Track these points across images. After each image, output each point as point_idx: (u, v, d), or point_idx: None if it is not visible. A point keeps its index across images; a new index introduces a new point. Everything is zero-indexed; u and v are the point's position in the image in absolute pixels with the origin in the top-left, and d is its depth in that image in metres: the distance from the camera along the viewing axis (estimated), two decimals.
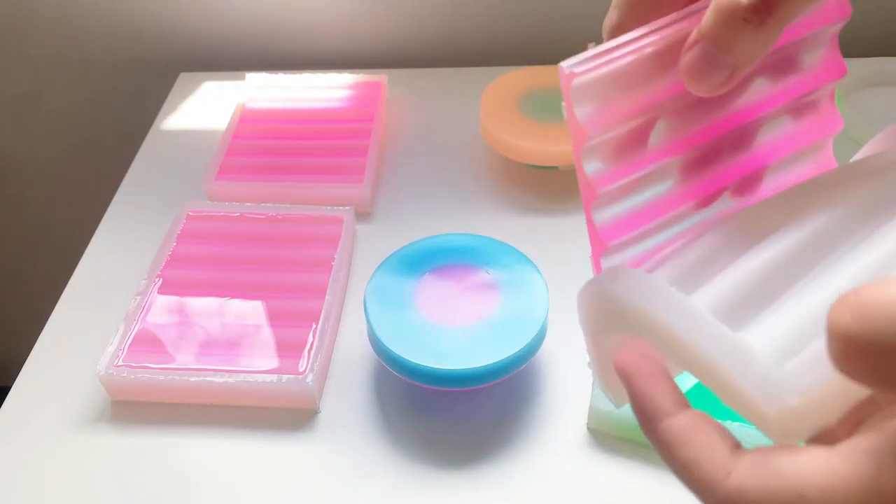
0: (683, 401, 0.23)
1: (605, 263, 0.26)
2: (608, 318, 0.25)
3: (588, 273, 0.26)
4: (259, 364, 0.47)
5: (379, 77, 0.69)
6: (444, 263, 0.48)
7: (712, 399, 0.42)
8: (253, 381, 0.46)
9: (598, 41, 0.24)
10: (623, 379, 0.24)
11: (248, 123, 0.65)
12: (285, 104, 0.67)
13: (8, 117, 0.83)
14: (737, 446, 0.21)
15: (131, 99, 0.80)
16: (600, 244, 0.26)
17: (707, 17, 0.21)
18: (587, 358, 0.27)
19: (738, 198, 0.27)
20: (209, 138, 0.67)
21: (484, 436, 0.45)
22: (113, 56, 0.78)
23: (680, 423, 0.22)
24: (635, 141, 0.25)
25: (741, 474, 0.19)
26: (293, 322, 0.49)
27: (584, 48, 0.24)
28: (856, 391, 0.19)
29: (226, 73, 0.75)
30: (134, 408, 0.47)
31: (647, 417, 0.22)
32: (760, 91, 0.26)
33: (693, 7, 0.24)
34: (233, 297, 0.51)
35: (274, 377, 0.46)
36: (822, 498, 0.18)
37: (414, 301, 0.46)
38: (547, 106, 0.61)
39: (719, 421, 0.21)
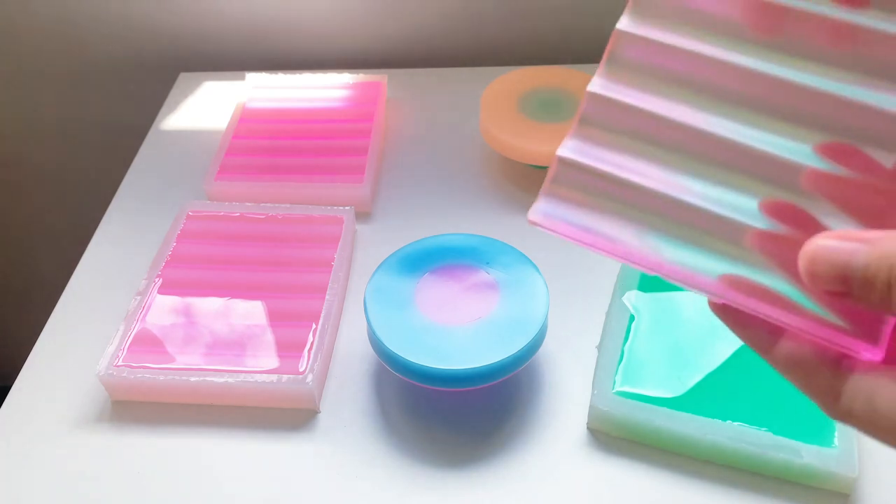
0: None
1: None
2: None
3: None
4: (259, 364, 0.47)
5: (379, 77, 0.69)
6: (444, 263, 0.48)
7: (717, 397, 0.42)
8: (253, 381, 0.46)
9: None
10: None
11: (248, 123, 0.65)
12: (285, 104, 0.67)
13: (8, 117, 0.83)
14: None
15: (131, 99, 0.80)
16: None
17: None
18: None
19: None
20: (209, 138, 0.67)
21: (484, 436, 0.45)
22: (113, 56, 0.78)
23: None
24: None
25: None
26: (293, 322, 0.49)
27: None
28: None
29: (226, 73, 0.75)
30: (134, 408, 0.47)
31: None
32: None
33: None
34: (233, 297, 0.51)
35: (274, 377, 0.46)
36: None
37: (414, 301, 0.46)
38: (547, 106, 0.61)
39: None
